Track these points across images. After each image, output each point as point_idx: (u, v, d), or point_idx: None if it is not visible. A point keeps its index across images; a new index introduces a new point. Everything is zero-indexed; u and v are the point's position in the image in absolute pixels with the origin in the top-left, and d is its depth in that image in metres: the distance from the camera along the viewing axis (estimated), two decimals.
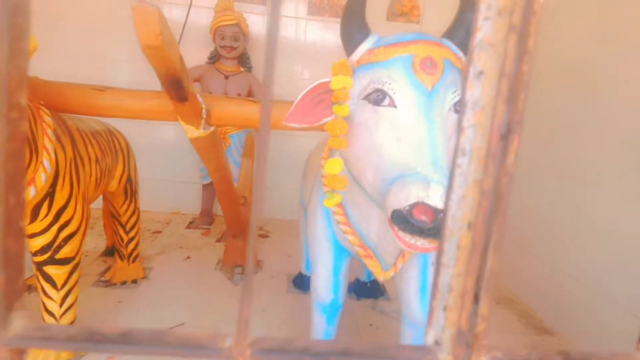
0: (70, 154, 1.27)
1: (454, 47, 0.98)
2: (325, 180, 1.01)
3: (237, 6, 2.60)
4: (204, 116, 1.24)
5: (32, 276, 1.84)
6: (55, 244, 1.25)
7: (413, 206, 0.77)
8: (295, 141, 2.81)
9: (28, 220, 1.20)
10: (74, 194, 1.27)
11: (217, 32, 2.47)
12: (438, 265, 0.33)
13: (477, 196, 0.31)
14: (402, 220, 0.79)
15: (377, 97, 0.91)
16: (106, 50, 2.71)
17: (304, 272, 2.01)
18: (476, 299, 0.33)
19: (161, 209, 2.88)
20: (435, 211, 0.77)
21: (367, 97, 0.94)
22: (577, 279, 1.70)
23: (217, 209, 2.96)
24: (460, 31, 1.00)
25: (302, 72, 2.85)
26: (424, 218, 0.78)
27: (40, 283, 1.28)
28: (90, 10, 2.66)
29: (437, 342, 0.35)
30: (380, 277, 1.18)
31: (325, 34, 2.86)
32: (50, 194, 1.20)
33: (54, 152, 1.17)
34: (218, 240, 2.55)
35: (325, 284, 1.27)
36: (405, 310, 1.28)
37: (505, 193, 0.30)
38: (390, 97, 0.90)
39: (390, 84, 0.90)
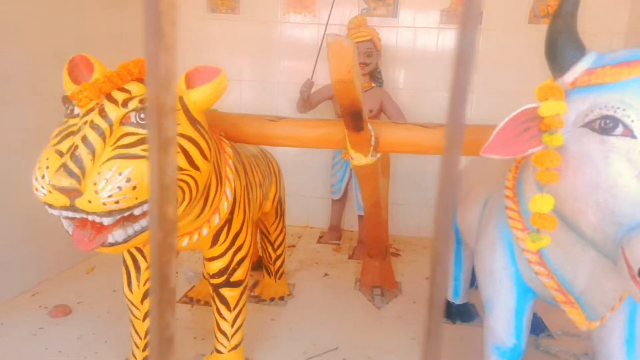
0: (243, 181, 1.32)
1: None
2: (533, 221, 0.89)
3: (369, 20, 2.57)
4: (373, 144, 1.20)
5: (192, 288, 1.99)
6: (230, 268, 1.31)
7: None
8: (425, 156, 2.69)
9: (209, 245, 1.27)
10: (246, 220, 1.32)
11: None
12: None
13: None
14: None
15: (606, 125, 0.78)
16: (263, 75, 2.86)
17: (451, 299, 1.88)
18: None
19: (293, 222, 2.95)
20: None
21: (588, 125, 0.81)
22: None
23: (344, 224, 2.96)
24: None
25: (437, 84, 2.73)
26: None
27: (215, 304, 1.35)
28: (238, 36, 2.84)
29: None
30: (584, 327, 1.02)
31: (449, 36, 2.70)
32: (229, 221, 1.26)
33: (233, 180, 1.22)
34: (350, 257, 2.53)
35: (507, 326, 1.15)
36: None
37: None
38: (625, 126, 0.76)
39: (624, 109, 0.76)
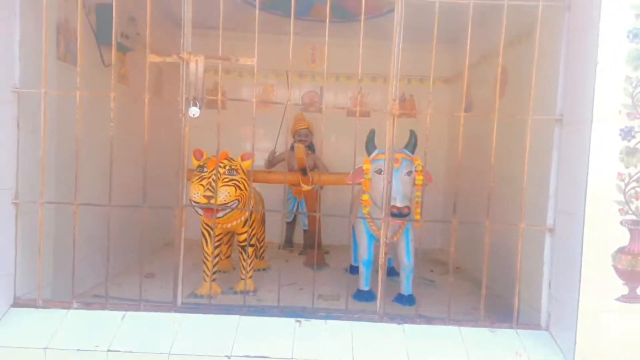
0: (254, 200, 3.02)
1: (407, 152, 2.68)
2: (363, 203, 2.69)
3: (306, 114, 4.44)
4: (311, 180, 2.98)
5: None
6: (249, 236, 2.97)
7: (392, 207, 2.44)
8: (341, 194, 4.51)
9: (242, 225, 2.93)
10: (256, 217, 3.01)
11: (295, 133, 4.29)
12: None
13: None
14: (392, 213, 2.45)
15: (379, 171, 2.61)
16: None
17: (353, 263, 3.61)
18: None
19: None
20: (399, 209, 2.42)
21: (376, 171, 2.64)
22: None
23: (295, 238, 4.64)
24: (410, 146, 2.71)
25: (347, 150, 4.62)
26: (395, 211, 2.43)
27: (242, 255, 2.98)
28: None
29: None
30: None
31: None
32: (249, 217, 2.94)
33: (252, 199, 2.92)
34: (300, 254, 4.22)
35: (365, 251, 2.91)
36: (401, 262, 2.89)
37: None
38: (383, 171, 2.59)
39: (382, 167, 2.60)
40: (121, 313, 2.01)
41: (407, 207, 2.45)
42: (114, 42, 2.11)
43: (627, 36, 1.78)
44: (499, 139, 2.12)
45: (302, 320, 2.04)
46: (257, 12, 2.08)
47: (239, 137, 4.59)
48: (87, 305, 2.06)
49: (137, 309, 2.03)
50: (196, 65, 1.96)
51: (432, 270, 3.75)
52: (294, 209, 4.41)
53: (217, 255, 2.94)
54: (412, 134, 2.75)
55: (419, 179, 2.66)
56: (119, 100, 2.05)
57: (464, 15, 2.14)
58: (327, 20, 2.03)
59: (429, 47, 2.02)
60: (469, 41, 2.13)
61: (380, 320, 2.10)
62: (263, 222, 3.59)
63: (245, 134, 4.64)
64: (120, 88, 3.15)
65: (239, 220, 2.87)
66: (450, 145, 4.60)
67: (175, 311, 2.06)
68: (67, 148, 2.26)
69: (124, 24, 3.05)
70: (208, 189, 2.51)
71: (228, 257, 3.56)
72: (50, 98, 2.05)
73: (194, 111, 1.85)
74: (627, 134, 1.81)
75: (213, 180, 2.54)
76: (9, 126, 1.98)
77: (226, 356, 1.83)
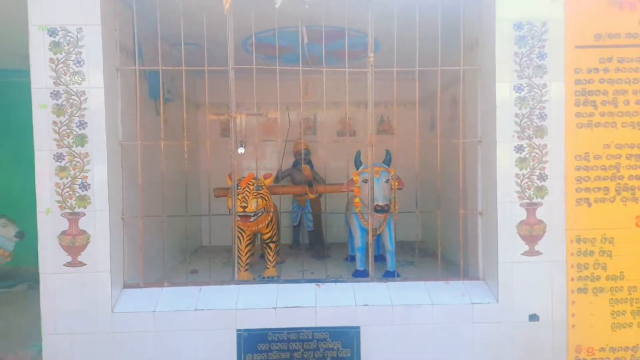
0: (274, 208, 4.01)
1: (385, 165, 3.72)
2: (355, 204, 3.71)
3: (305, 137, 5.46)
4: (316, 191, 4.00)
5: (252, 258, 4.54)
6: (272, 235, 3.96)
7: (376, 205, 3.45)
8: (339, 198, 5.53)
9: (265, 227, 3.92)
10: (277, 221, 4.01)
11: (295, 153, 5.30)
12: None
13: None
14: (375, 209, 3.47)
15: (365, 181, 3.64)
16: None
17: (350, 253, 4.61)
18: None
19: None
20: (381, 206, 3.44)
21: (363, 181, 3.67)
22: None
23: (301, 239, 5.63)
24: (386, 161, 3.75)
25: (339, 165, 5.65)
26: (378, 208, 3.45)
27: (267, 249, 3.97)
28: None
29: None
30: (377, 233, 3.83)
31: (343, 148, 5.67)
32: (272, 220, 3.93)
33: (273, 206, 3.92)
34: (307, 250, 5.21)
35: (360, 240, 3.91)
36: (386, 246, 3.92)
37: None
38: (369, 181, 3.62)
39: (367, 177, 3.63)
40: (198, 287, 2.98)
41: (387, 204, 3.47)
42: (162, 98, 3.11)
43: (513, 88, 2.84)
44: (450, 153, 3.15)
45: (320, 284, 3.03)
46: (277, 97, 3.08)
47: (251, 159, 5.60)
48: (175, 284, 3.03)
49: (208, 284, 3.01)
50: (241, 120, 2.96)
51: (412, 255, 4.78)
52: (299, 216, 5.43)
53: (249, 251, 3.93)
54: (388, 152, 3.78)
55: (394, 184, 3.69)
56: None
57: (425, 55, 3.16)
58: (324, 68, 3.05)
59: (400, 77, 3.07)
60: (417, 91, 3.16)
61: (372, 281, 3.11)
62: (278, 226, 4.58)
63: (254, 157, 5.65)
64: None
65: (264, 223, 3.87)
66: (420, 158, 5.67)
67: (234, 284, 3.04)
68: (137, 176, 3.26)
69: (168, 83, 4.04)
70: (243, 201, 3.50)
71: (253, 254, 4.54)
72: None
73: (241, 150, 2.85)
74: (519, 149, 2.86)
75: (246, 195, 3.54)
76: (117, 167, 2.96)
77: (273, 307, 2.82)
